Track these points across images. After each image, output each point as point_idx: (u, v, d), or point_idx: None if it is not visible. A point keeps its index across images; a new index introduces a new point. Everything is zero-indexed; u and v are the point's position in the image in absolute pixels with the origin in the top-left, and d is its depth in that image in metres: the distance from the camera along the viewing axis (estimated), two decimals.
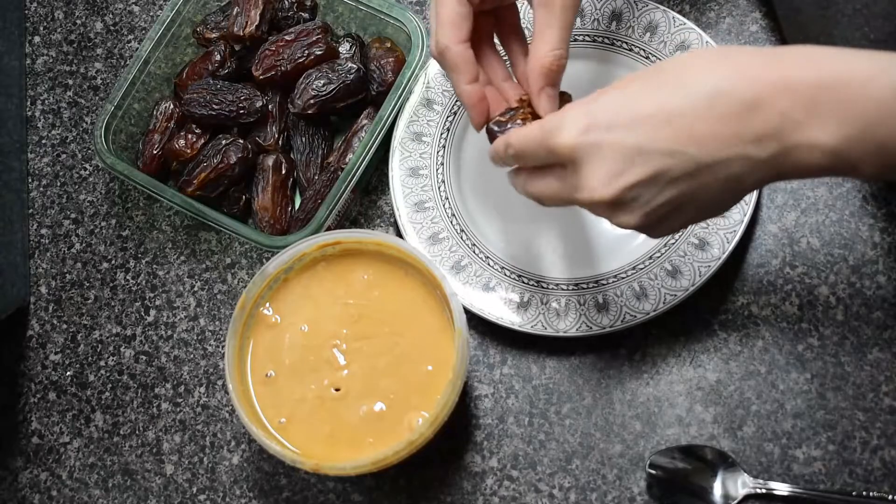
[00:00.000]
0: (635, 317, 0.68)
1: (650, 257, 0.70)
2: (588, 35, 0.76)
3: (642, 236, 0.72)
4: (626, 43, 0.76)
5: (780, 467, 0.66)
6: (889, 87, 0.47)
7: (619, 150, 0.52)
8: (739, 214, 0.69)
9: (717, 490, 0.65)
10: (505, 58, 0.69)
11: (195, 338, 0.77)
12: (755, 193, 0.69)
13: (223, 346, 0.74)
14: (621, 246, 0.72)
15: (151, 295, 0.78)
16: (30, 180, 0.84)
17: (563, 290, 0.70)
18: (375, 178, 0.77)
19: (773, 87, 0.49)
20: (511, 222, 0.75)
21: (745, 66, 0.50)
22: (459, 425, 0.70)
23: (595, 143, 0.53)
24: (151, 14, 0.87)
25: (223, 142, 0.76)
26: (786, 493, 0.64)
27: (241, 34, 0.78)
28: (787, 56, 0.50)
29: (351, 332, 0.67)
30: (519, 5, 0.68)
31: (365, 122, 0.76)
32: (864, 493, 0.63)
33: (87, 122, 0.85)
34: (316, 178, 0.76)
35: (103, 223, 0.81)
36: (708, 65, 0.51)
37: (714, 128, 0.50)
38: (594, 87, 0.76)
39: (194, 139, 0.78)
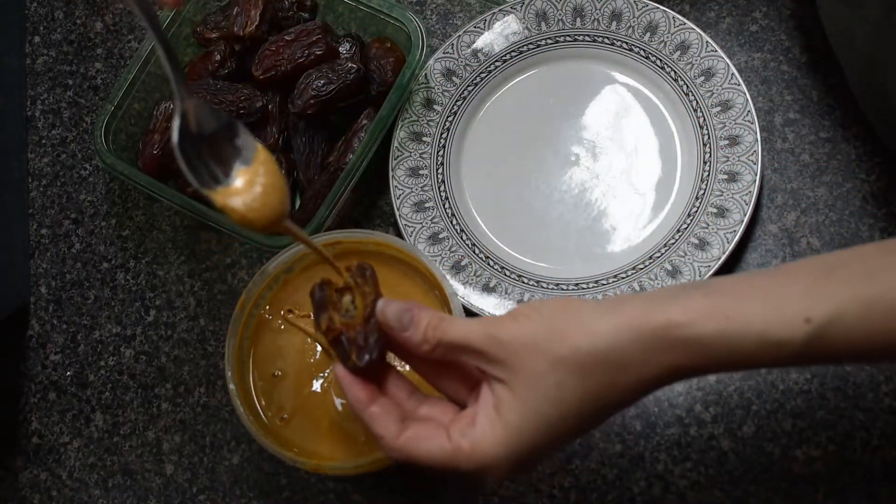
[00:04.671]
0: None
1: (650, 257, 0.70)
2: (588, 35, 0.76)
3: (642, 237, 0.72)
4: (626, 43, 0.76)
5: (780, 467, 0.66)
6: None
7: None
8: (739, 214, 0.69)
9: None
10: None
11: (195, 338, 0.77)
12: (755, 193, 0.69)
13: (223, 346, 0.74)
14: (621, 246, 0.72)
15: (151, 295, 0.78)
16: (30, 180, 0.84)
17: (563, 290, 0.70)
18: (375, 178, 0.77)
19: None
20: (511, 222, 0.75)
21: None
22: None
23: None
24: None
25: None
26: None
27: (241, 34, 0.78)
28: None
29: None
30: None
31: (365, 122, 0.76)
32: None
33: (87, 122, 0.85)
34: (316, 178, 0.76)
35: (103, 223, 0.81)
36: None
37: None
38: (593, 87, 0.76)
39: None
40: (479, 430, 0.50)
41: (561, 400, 0.49)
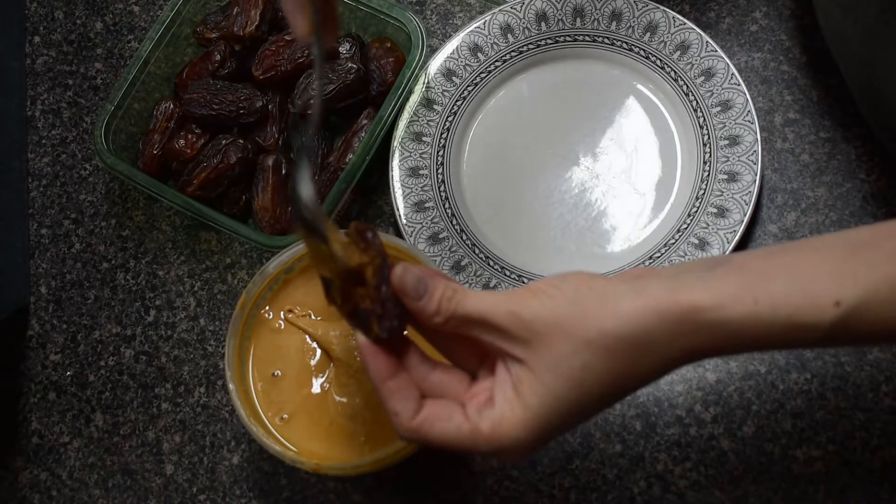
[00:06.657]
0: None
1: (650, 257, 0.70)
2: (588, 35, 0.76)
3: (642, 237, 0.72)
4: (626, 43, 0.76)
5: (780, 467, 0.66)
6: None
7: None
8: (739, 214, 0.69)
9: None
10: None
11: (195, 338, 0.77)
12: (755, 193, 0.69)
13: (223, 346, 0.74)
14: (621, 246, 0.72)
15: (151, 295, 0.78)
16: (30, 180, 0.84)
17: None
18: (375, 178, 0.77)
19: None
20: (511, 222, 0.75)
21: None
22: None
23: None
24: (151, 14, 0.87)
25: (223, 142, 0.76)
26: None
27: (241, 34, 0.78)
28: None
29: (351, 332, 0.67)
30: None
31: (365, 122, 0.76)
32: None
33: (87, 122, 0.85)
34: (316, 178, 0.76)
35: (103, 223, 0.81)
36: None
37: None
38: (593, 87, 0.76)
39: (194, 139, 0.78)
40: (499, 412, 0.49)
41: (584, 382, 0.48)
